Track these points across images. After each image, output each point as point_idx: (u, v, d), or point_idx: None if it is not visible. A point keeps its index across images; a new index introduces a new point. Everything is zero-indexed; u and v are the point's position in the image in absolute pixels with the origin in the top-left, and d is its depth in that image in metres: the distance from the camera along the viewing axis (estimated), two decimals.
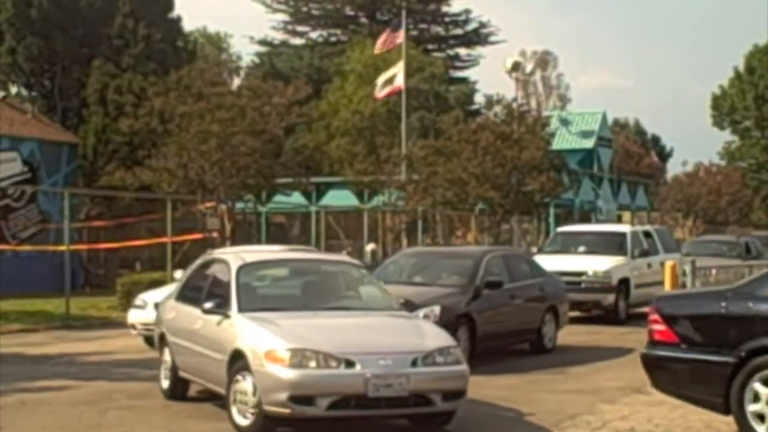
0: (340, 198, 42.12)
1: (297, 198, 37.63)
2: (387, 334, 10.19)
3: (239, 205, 32.35)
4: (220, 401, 11.52)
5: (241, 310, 10.38)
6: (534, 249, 33.32)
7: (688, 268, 13.21)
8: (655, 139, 79.24)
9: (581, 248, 23.03)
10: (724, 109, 71.11)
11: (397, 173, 37.41)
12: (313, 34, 66.04)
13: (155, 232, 30.87)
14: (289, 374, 9.26)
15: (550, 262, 21.55)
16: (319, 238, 35.81)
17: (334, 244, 38.37)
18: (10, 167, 31.84)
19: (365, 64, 50.32)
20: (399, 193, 37.19)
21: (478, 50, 66.45)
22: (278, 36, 65.33)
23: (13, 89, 39.13)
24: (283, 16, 65.29)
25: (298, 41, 65.63)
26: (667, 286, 12.68)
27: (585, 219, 45.61)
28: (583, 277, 21.35)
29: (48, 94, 38.65)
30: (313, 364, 9.31)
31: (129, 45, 37.20)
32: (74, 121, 37.72)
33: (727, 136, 72.92)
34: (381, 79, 42.73)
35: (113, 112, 35.32)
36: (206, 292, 11.23)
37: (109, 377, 13.75)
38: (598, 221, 45.92)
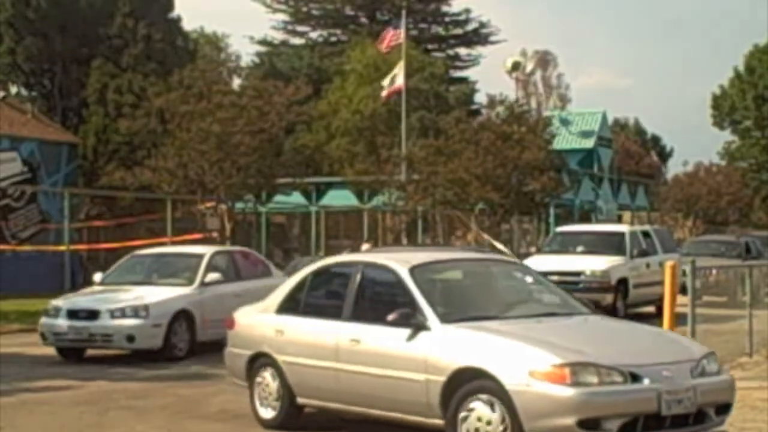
0: (340, 198, 42.14)
1: (297, 198, 37.65)
2: (646, 342, 9.02)
3: (239, 205, 32.39)
4: (218, 401, 11.53)
5: (445, 320, 8.78)
6: (533, 249, 33.33)
7: (688, 269, 13.17)
8: (655, 139, 79.21)
9: (580, 248, 23.05)
10: (724, 109, 71.09)
11: (397, 173, 37.43)
12: (313, 34, 66.07)
13: (155, 232, 30.90)
14: (572, 394, 7.80)
15: (548, 262, 21.59)
16: (319, 238, 35.85)
17: (334, 244, 38.40)
18: (10, 167, 31.87)
19: (365, 64, 50.33)
20: (399, 193, 37.21)
21: (478, 50, 66.48)
22: (278, 36, 65.40)
23: (13, 89, 39.16)
24: (283, 16, 65.34)
25: (298, 41, 65.66)
26: (668, 287, 12.67)
27: (585, 219, 45.60)
28: (582, 277, 21.36)
29: (48, 94, 38.69)
30: (594, 380, 7.93)
31: (129, 45, 37.25)
32: (74, 121, 37.76)
33: (727, 136, 72.96)
34: (386, 82, 42.79)
35: (113, 112, 35.37)
36: (355, 302, 9.59)
37: (109, 377, 13.75)
38: (598, 221, 45.92)
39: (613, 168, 55.60)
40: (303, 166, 32.43)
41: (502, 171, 33.59)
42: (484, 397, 8.17)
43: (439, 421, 8.51)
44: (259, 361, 10.28)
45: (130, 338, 15.17)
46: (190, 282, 16.37)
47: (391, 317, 8.94)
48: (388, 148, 39.79)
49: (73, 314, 15.58)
